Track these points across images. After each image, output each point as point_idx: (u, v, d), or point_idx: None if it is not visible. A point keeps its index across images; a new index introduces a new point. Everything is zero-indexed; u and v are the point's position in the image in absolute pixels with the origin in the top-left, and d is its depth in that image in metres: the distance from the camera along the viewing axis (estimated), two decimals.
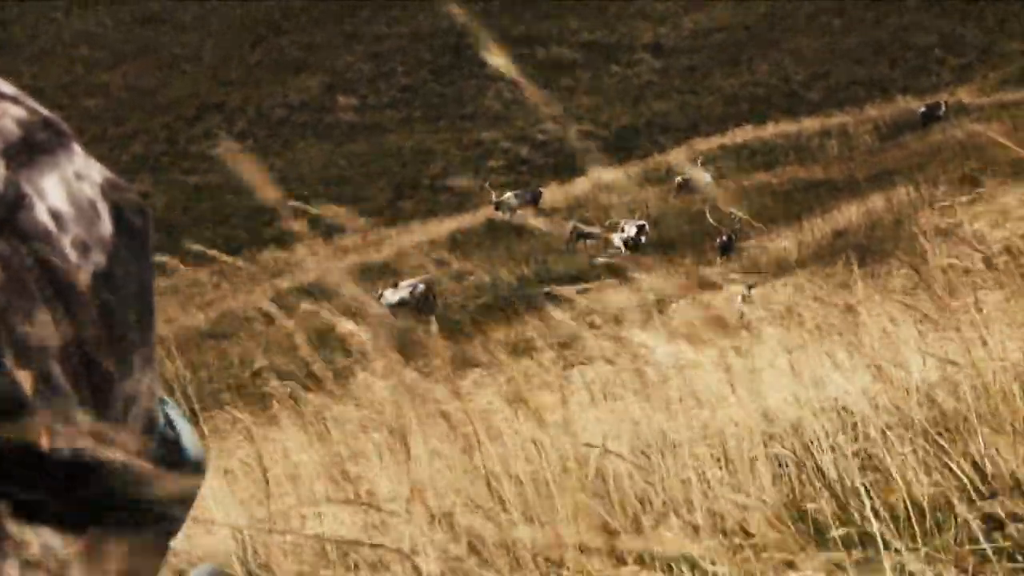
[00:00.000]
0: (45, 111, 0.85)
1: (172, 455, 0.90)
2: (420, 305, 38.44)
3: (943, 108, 56.82)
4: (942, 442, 4.15)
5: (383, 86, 73.60)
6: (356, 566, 3.74)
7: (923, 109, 57.36)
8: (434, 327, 4.45)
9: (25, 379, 0.76)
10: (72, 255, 0.79)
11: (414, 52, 75.61)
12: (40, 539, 0.78)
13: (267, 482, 4.58)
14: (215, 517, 4.14)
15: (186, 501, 0.90)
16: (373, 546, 2.96)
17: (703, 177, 52.61)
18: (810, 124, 61.19)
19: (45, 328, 0.78)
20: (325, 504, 3.95)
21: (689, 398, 4.78)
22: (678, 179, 53.14)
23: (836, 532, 3.59)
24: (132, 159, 65.98)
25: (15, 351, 0.76)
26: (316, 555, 3.93)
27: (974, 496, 3.65)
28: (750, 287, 23.20)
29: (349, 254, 50.93)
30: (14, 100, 0.83)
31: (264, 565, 3.63)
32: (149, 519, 0.85)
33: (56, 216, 0.79)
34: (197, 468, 0.93)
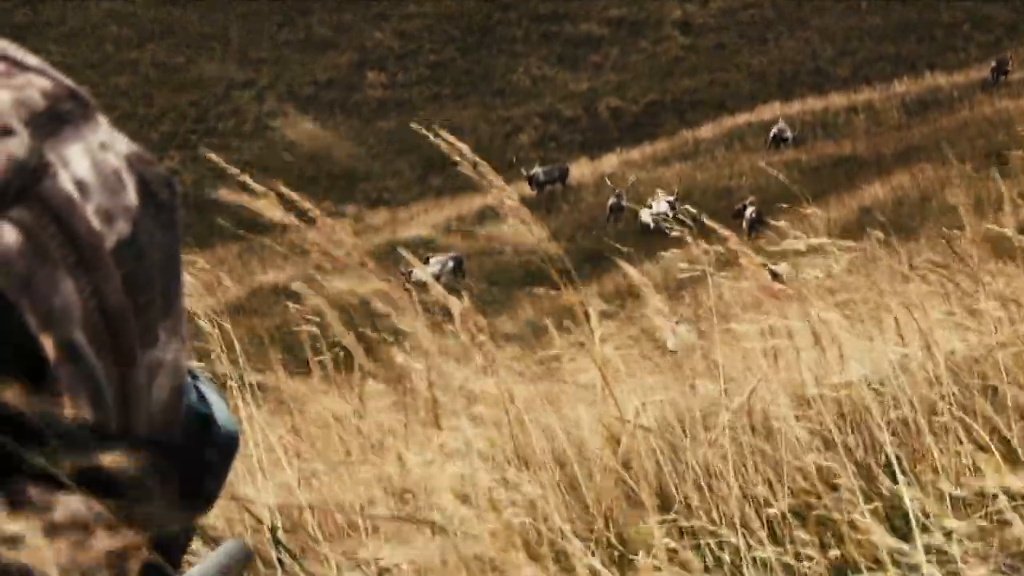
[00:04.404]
0: (70, 82, 0.85)
1: (204, 429, 0.91)
2: (450, 281, 38.52)
3: (1010, 63, 56.34)
4: (967, 419, 4.16)
5: (411, 63, 73.50)
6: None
7: (993, 64, 56.91)
8: (465, 299, 4.45)
9: (48, 346, 0.76)
10: (96, 223, 0.79)
11: (442, 29, 75.47)
12: (63, 504, 0.78)
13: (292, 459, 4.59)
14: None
15: (218, 475, 0.91)
16: (400, 519, 2.97)
17: (789, 131, 53.75)
18: (837, 100, 60.87)
19: (68, 296, 0.77)
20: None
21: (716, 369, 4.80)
22: (773, 132, 53.98)
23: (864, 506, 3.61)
24: (161, 137, 66.06)
25: (38, 318, 0.76)
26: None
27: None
28: (775, 264, 23.12)
29: (381, 231, 50.93)
30: (39, 72, 0.83)
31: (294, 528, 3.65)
32: (177, 491, 0.85)
33: (80, 185, 0.79)
34: (230, 442, 0.93)
